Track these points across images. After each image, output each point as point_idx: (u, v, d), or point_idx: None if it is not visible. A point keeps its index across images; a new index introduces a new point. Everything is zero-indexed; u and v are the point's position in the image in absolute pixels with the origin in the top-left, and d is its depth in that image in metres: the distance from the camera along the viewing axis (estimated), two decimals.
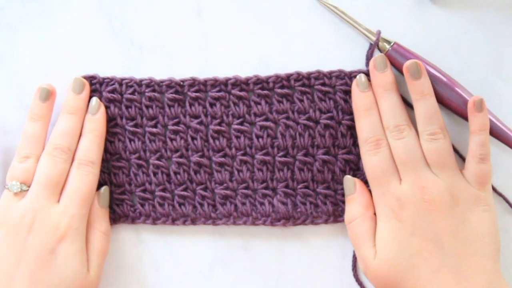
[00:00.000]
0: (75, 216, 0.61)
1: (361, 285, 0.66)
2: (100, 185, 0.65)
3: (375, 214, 0.62)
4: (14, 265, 0.59)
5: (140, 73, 0.66)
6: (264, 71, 0.65)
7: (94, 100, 0.65)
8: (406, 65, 0.61)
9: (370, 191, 0.63)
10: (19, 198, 0.61)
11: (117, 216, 0.66)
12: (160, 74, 0.66)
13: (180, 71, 0.66)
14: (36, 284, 0.58)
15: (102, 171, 0.65)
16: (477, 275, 0.58)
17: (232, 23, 0.67)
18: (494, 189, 0.64)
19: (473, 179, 0.60)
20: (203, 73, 0.66)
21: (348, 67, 0.65)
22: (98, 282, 0.62)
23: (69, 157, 0.63)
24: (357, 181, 0.64)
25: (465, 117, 0.62)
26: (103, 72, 0.66)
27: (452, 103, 0.62)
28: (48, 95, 0.64)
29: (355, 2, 0.66)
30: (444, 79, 0.62)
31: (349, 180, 0.64)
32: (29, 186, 0.62)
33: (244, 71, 0.66)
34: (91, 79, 0.65)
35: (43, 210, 0.61)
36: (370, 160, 0.62)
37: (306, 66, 0.65)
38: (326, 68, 0.65)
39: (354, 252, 0.65)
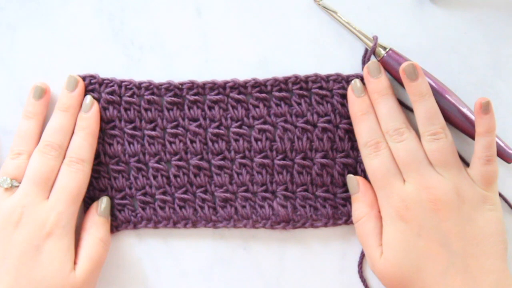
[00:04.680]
0: (63, 213, 0.61)
1: (364, 282, 0.66)
2: (101, 191, 0.66)
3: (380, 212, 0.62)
4: (0, 259, 0.60)
5: (140, 73, 0.67)
6: (264, 72, 0.66)
7: (88, 98, 0.65)
8: (403, 67, 0.61)
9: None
10: (9, 194, 0.62)
11: (119, 222, 0.66)
12: (160, 74, 0.66)
13: (180, 71, 0.66)
14: (19, 280, 0.59)
15: (102, 176, 0.66)
16: (485, 275, 0.58)
17: (232, 24, 0.67)
18: None
19: (478, 179, 0.60)
20: (202, 73, 0.66)
21: (347, 68, 0.65)
22: (86, 287, 0.62)
23: (60, 154, 0.63)
24: (360, 179, 0.64)
25: (454, 125, 0.63)
26: (103, 72, 0.66)
27: (442, 110, 0.62)
28: (42, 93, 0.65)
29: (355, 2, 0.66)
30: (435, 85, 0.62)
31: (352, 179, 0.64)
32: (20, 182, 0.62)
33: (244, 71, 0.66)
34: (90, 78, 0.65)
35: (31, 206, 0.61)
36: (371, 163, 0.62)
37: (305, 67, 0.65)
38: (325, 69, 0.65)
39: (362, 249, 0.65)
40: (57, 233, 0.61)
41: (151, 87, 0.65)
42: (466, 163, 0.64)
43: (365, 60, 0.64)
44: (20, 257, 0.59)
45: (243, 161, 0.65)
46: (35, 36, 0.68)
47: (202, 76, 0.66)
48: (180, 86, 0.65)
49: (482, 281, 0.58)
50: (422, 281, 0.59)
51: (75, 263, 0.62)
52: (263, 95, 0.65)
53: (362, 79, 0.64)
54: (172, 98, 0.65)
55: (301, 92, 0.64)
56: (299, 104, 0.64)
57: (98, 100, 0.65)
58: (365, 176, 0.64)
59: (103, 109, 0.65)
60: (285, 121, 0.64)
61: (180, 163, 0.65)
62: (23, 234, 0.60)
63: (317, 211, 0.65)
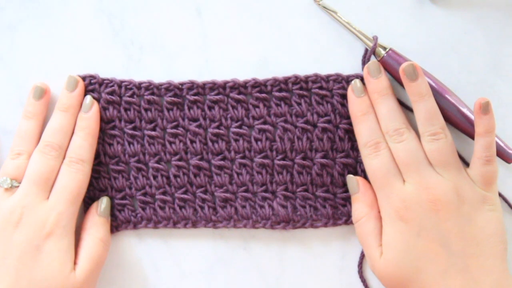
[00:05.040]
0: (63, 213, 0.61)
1: (364, 282, 0.66)
2: (101, 191, 0.66)
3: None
4: (0, 260, 0.59)
5: (140, 73, 0.67)
6: (264, 72, 0.66)
7: (88, 98, 0.65)
8: (402, 67, 0.61)
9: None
10: (9, 194, 0.62)
11: (119, 222, 0.66)
12: (160, 74, 0.66)
13: (180, 71, 0.66)
14: (19, 280, 0.59)
15: (102, 176, 0.66)
16: (485, 276, 0.58)
17: (232, 24, 0.67)
18: None
19: (478, 179, 0.60)
20: (202, 73, 0.66)
21: (347, 68, 0.65)
22: (86, 287, 0.61)
23: (60, 154, 0.63)
24: (359, 180, 0.64)
25: (454, 125, 0.63)
26: (103, 72, 0.66)
27: (442, 110, 0.62)
28: (42, 94, 0.65)
29: (355, 2, 0.66)
30: (435, 85, 0.62)
31: (351, 180, 0.64)
32: (20, 183, 0.62)
33: (244, 71, 0.66)
34: (90, 78, 0.65)
35: (31, 206, 0.61)
36: (371, 163, 0.62)
37: (305, 67, 0.65)
38: (325, 69, 0.65)
39: (362, 249, 0.65)
40: (57, 233, 0.61)
41: (151, 87, 0.65)
42: (466, 163, 0.64)
43: (365, 60, 0.64)
44: (20, 257, 0.59)
45: (243, 161, 0.65)
46: (35, 36, 0.67)
47: (202, 76, 0.66)
48: (180, 86, 0.65)
49: (482, 281, 0.58)
50: (422, 282, 0.59)
51: (75, 263, 0.62)
52: (263, 95, 0.65)
53: (362, 79, 0.64)
54: (172, 98, 0.65)
55: (301, 92, 0.64)
56: (299, 104, 0.64)
57: (98, 100, 0.65)
58: (365, 176, 0.64)
59: (103, 109, 0.65)
60: (285, 121, 0.64)
61: (180, 163, 0.65)
62: (23, 234, 0.60)
63: (317, 211, 0.65)
